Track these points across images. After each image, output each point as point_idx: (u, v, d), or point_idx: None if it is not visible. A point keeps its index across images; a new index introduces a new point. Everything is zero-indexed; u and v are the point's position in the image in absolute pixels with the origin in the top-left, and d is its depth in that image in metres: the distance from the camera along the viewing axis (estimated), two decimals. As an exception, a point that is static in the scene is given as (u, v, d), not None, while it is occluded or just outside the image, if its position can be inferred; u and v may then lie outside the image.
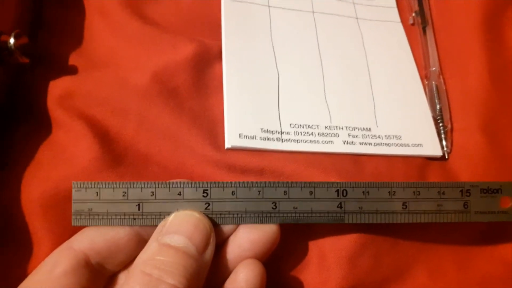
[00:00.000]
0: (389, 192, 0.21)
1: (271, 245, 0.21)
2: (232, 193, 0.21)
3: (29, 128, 0.25)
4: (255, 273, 0.20)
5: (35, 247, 0.22)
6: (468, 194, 0.22)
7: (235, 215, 0.21)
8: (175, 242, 0.19)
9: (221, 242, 0.21)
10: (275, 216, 0.21)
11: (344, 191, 0.21)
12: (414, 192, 0.21)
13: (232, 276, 0.21)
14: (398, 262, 0.25)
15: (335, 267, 0.23)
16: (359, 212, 0.21)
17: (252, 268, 0.20)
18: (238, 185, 0.21)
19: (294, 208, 0.21)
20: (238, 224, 0.21)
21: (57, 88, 0.25)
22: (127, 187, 0.20)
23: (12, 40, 0.23)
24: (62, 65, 0.26)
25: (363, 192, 0.21)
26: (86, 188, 0.20)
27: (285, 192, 0.21)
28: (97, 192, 0.20)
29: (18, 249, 0.22)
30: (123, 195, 0.20)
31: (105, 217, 0.20)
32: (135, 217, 0.20)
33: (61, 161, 0.23)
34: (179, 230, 0.19)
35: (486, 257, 0.26)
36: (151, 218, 0.20)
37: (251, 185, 0.21)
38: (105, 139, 0.24)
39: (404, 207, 0.21)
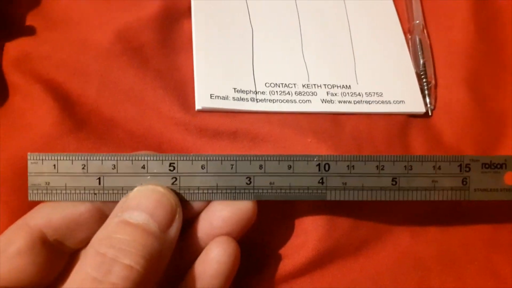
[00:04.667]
0: (377, 166, 0.19)
1: (245, 223, 0.19)
2: (201, 167, 0.19)
3: None
4: (228, 252, 0.19)
5: None
6: (467, 169, 0.20)
7: (205, 191, 0.19)
8: (134, 219, 0.17)
9: (190, 219, 0.20)
10: (249, 192, 0.19)
11: (326, 165, 0.19)
12: (405, 166, 0.19)
13: (202, 256, 0.19)
14: (379, 224, 0.24)
15: (312, 229, 0.22)
16: (343, 188, 0.19)
17: (225, 247, 0.19)
18: (208, 158, 0.19)
19: (270, 183, 0.19)
20: (209, 201, 0.20)
21: (13, 50, 0.23)
22: (87, 160, 0.19)
23: None
24: (18, 26, 0.25)
25: (348, 166, 0.19)
26: (42, 160, 0.19)
27: (260, 166, 0.19)
28: (54, 165, 0.19)
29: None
30: (83, 168, 0.19)
31: (63, 191, 0.19)
32: (96, 191, 0.19)
33: (20, 128, 0.22)
34: (139, 206, 0.18)
35: (469, 220, 0.25)
36: (113, 193, 0.19)
37: (223, 158, 0.19)
38: (66, 103, 0.22)
39: (394, 183, 0.19)
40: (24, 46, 0.24)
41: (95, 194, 0.19)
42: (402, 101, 0.26)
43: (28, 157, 0.19)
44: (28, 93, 0.22)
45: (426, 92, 0.27)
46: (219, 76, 0.24)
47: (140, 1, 0.26)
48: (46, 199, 0.19)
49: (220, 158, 0.19)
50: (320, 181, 0.19)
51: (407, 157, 0.19)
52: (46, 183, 0.19)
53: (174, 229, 0.18)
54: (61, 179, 0.19)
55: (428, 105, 0.27)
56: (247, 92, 0.24)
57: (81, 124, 0.22)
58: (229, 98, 0.24)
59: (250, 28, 0.26)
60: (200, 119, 0.23)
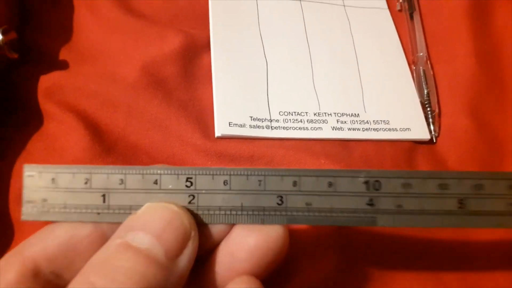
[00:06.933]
0: (439, 184, 0.16)
1: (275, 255, 0.15)
2: (224, 182, 0.16)
3: (20, 121, 0.24)
4: None
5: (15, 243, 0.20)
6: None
7: (228, 212, 0.16)
8: (137, 242, 0.14)
9: (209, 248, 0.16)
10: (281, 215, 0.16)
11: (377, 183, 0.16)
12: (475, 185, 0.16)
13: None
14: (400, 245, 0.23)
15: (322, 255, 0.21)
16: (397, 212, 0.16)
17: None
18: (232, 173, 0.16)
19: (307, 204, 0.16)
20: (231, 225, 0.16)
21: (47, 82, 0.24)
22: (90, 173, 0.16)
23: (0, 36, 0.22)
24: (52, 60, 0.26)
25: (403, 184, 0.16)
26: (40, 172, 0.16)
27: (294, 183, 0.16)
28: (53, 178, 0.16)
29: (2, 243, 0.21)
30: (85, 183, 0.16)
31: (62, 209, 0.16)
32: (99, 211, 0.16)
33: (52, 152, 0.23)
34: (145, 226, 0.14)
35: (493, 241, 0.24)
36: (119, 213, 0.16)
37: (249, 173, 0.16)
38: (95, 131, 0.23)
39: (461, 206, 0.16)
40: (57, 79, 0.25)
41: (98, 214, 0.16)
42: (408, 129, 0.26)
43: (24, 169, 0.16)
44: (62, 121, 0.23)
45: (431, 120, 0.27)
46: (236, 106, 0.25)
47: (163, 37, 0.27)
48: (41, 219, 0.16)
49: (245, 173, 0.16)
50: (369, 202, 0.16)
51: (476, 174, 0.15)
52: (42, 200, 0.16)
53: (186, 258, 0.14)
54: (60, 196, 0.16)
55: (433, 133, 0.27)
56: (263, 120, 0.25)
57: (109, 150, 0.23)
58: (246, 126, 0.25)
59: (264, 61, 0.27)
60: (219, 145, 0.24)
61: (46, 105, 0.24)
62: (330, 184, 0.16)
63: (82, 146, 0.22)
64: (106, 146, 0.23)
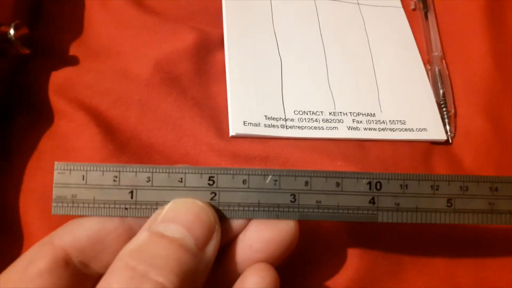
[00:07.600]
0: (431, 186, 0.18)
1: (287, 246, 0.17)
2: (243, 181, 0.17)
3: (31, 119, 0.24)
4: (266, 281, 0.16)
5: (27, 239, 0.20)
6: (527, 192, 0.18)
7: (246, 208, 0.17)
8: (170, 232, 0.15)
9: (228, 240, 0.17)
10: (293, 211, 0.17)
11: (378, 184, 0.18)
12: (461, 187, 0.18)
13: (238, 284, 0.17)
14: (415, 247, 0.23)
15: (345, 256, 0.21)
16: (396, 209, 0.18)
17: (263, 275, 0.16)
18: (250, 173, 0.17)
19: (317, 202, 0.17)
20: (249, 219, 0.17)
21: (58, 78, 0.24)
22: (119, 171, 0.17)
23: (12, 31, 0.22)
24: (63, 56, 0.26)
25: (401, 185, 0.18)
26: (70, 170, 0.17)
27: (306, 183, 0.18)
28: (83, 176, 0.17)
29: (13, 240, 0.21)
30: (114, 180, 0.17)
31: (91, 205, 0.17)
32: (127, 206, 0.17)
33: (64, 151, 0.22)
34: (177, 219, 0.16)
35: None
36: (146, 208, 0.17)
37: (266, 173, 0.17)
38: (107, 129, 0.23)
39: (449, 204, 0.18)
40: (69, 75, 0.24)
41: (126, 209, 0.17)
42: (424, 129, 0.26)
43: (55, 167, 0.17)
44: (73, 118, 0.23)
45: (446, 120, 0.27)
46: (251, 104, 0.25)
47: (176, 34, 0.26)
48: (71, 213, 0.17)
49: (263, 173, 0.17)
50: (371, 201, 0.18)
51: (463, 177, 0.18)
52: (72, 195, 0.17)
53: (212, 248, 0.16)
54: (90, 192, 0.17)
55: (449, 133, 0.27)
56: (277, 119, 0.25)
57: (122, 149, 0.22)
58: (260, 125, 0.24)
59: (279, 59, 0.27)
60: (233, 145, 0.23)
61: (57, 102, 0.23)
62: (337, 184, 0.17)
63: (93, 145, 0.22)
64: (119, 145, 0.23)
